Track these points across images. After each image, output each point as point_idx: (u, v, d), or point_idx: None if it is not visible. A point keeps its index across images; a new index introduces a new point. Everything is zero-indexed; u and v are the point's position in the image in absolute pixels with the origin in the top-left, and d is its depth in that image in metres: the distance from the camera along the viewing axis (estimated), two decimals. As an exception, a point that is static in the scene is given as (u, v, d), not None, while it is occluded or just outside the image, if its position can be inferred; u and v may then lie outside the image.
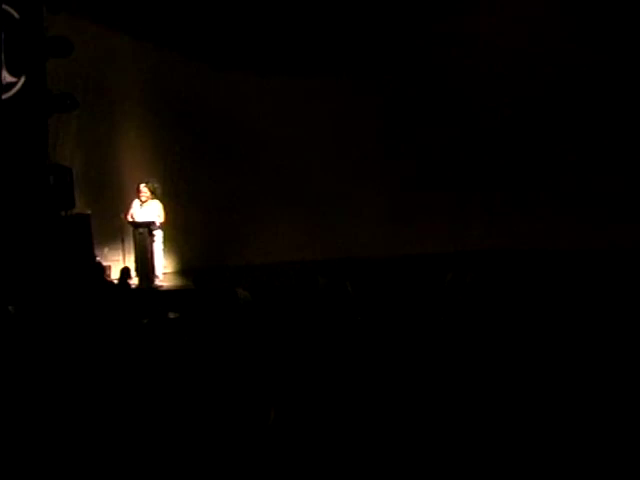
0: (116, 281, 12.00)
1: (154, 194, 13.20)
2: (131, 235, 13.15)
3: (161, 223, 13.09)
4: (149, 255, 12.96)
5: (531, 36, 14.06)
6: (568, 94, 14.23)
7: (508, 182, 14.55)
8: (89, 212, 12.89)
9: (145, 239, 12.95)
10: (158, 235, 13.13)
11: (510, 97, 14.33)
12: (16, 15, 12.21)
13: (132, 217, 13.07)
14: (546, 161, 14.46)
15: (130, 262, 13.00)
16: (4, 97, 12.09)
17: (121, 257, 13.27)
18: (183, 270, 13.89)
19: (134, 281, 12.73)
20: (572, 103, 14.21)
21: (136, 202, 13.15)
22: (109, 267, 12.94)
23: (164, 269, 13.56)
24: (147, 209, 13.11)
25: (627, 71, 14.05)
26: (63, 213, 12.49)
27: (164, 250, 13.33)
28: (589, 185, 14.12)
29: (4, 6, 12.08)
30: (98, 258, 12.81)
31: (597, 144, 14.22)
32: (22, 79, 12.27)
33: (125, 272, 11.93)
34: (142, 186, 13.20)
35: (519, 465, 5.09)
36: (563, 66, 14.15)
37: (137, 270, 12.91)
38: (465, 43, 14.25)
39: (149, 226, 12.96)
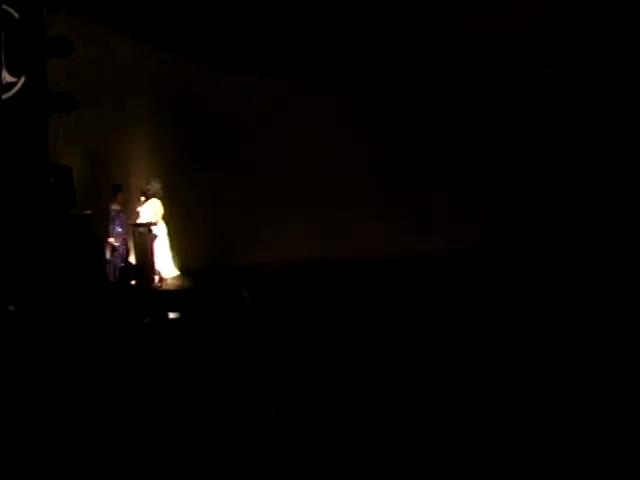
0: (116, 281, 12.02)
1: (145, 194, 13.25)
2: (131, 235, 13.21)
3: (162, 217, 13.15)
4: (149, 255, 12.98)
5: (531, 37, 14.07)
6: (568, 94, 14.24)
7: (508, 182, 14.55)
8: (89, 212, 12.89)
9: (145, 239, 12.98)
10: (160, 233, 13.16)
11: (510, 98, 14.32)
12: (16, 15, 12.20)
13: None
14: (546, 161, 14.46)
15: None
16: (4, 97, 12.07)
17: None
18: (183, 270, 13.90)
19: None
20: (572, 103, 14.21)
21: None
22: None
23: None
24: (145, 209, 13.18)
25: (627, 72, 14.06)
26: (63, 213, 12.49)
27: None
28: (589, 185, 14.12)
29: (4, 6, 12.07)
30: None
31: (597, 144, 14.23)
32: (22, 79, 12.25)
33: (125, 272, 11.94)
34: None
35: (519, 465, 5.10)
36: (563, 67, 14.16)
37: (137, 270, 12.93)
38: (465, 44, 14.27)
39: (149, 226, 13.02)
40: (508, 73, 14.23)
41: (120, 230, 13.09)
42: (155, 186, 13.31)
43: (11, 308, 8.65)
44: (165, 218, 13.26)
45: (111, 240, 13.01)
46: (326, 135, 14.37)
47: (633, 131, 14.05)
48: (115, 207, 13.23)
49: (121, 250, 13.04)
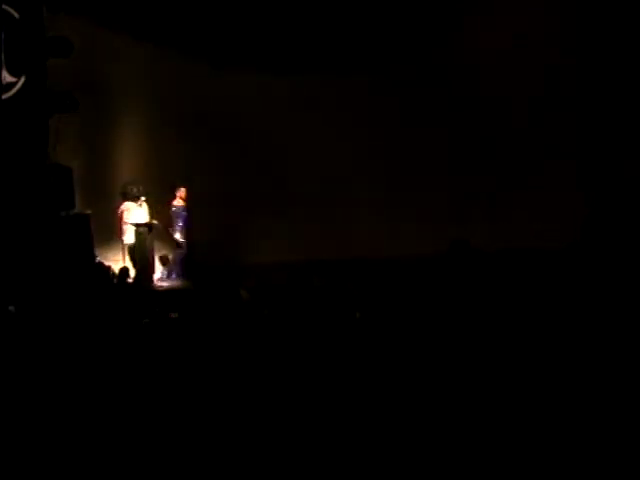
0: (115, 281, 12.02)
1: (126, 196, 13.31)
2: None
3: (148, 222, 13.21)
4: (149, 255, 13.01)
5: (531, 36, 14.08)
6: (568, 94, 14.25)
7: (508, 182, 14.56)
8: (89, 212, 12.91)
9: (145, 239, 12.99)
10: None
11: (510, 97, 14.33)
12: (16, 15, 12.22)
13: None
14: (545, 161, 14.47)
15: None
16: (4, 97, 12.09)
17: (121, 257, 13.31)
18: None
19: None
20: (572, 104, 14.23)
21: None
22: (109, 267, 12.97)
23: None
24: (139, 211, 13.25)
25: (627, 72, 14.07)
26: (63, 213, 12.51)
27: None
28: (588, 185, 14.14)
29: (4, 6, 12.09)
30: (98, 258, 12.83)
31: (597, 144, 14.23)
32: (22, 79, 12.27)
33: (124, 272, 11.95)
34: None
35: (519, 465, 5.10)
36: (564, 66, 14.17)
37: (137, 270, 12.95)
38: (465, 42, 14.28)
39: (149, 226, 13.06)
40: (508, 72, 14.24)
41: (182, 225, 13.62)
42: (135, 188, 13.33)
43: (11, 308, 8.64)
44: (153, 218, 13.32)
45: (177, 237, 13.56)
46: (326, 135, 14.38)
47: (633, 132, 14.05)
48: (176, 204, 13.56)
49: (184, 245, 13.64)
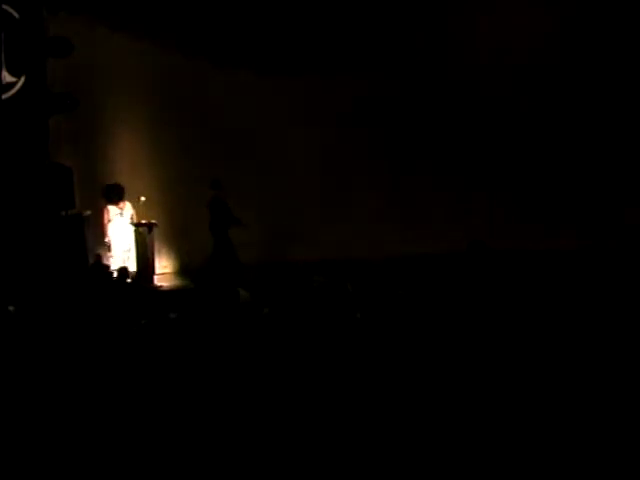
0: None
1: (109, 198, 13.27)
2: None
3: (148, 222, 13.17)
4: (149, 255, 12.99)
5: (531, 36, 14.08)
6: (568, 95, 14.26)
7: (508, 182, 14.56)
8: (89, 212, 12.89)
9: (145, 239, 12.97)
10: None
11: (510, 98, 14.34)
12: (16, 15, 12.24)
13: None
14: (546, 162, 14.48)
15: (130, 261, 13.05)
16: (4, 97, 12.11)
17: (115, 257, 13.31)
18: (183, 270, 13.91)
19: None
20: (570, 104, 14.23)
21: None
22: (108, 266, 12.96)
23: (163, 269, 13.64)
24: (127, 212, 13.26)
25: (628, 71, 14.07)
26: (63, 213, 12.50)
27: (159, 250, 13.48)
28: (588, 186, 14.15)
29: (4, 6, 12.11)
30: (99, 257, 12.81)
31: (597, 144, 14.24)
32: (22, 79, 12.29)
33: (123, 272, 11.94)
34: None
35: (519, 465, 5.09)
36: (564, 66, 14.18)
37: (136, 269, 12.94)
38: (464, 43, 14.29)
39: (149, 226, 13.04)
40: (508, 72, 14.25)
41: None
42: (114, 190, 13.28)
43: (11, 308, 8.65)
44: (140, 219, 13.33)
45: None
46: (326, 134, 14.38)
47: (633, 133, 14.06)
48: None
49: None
